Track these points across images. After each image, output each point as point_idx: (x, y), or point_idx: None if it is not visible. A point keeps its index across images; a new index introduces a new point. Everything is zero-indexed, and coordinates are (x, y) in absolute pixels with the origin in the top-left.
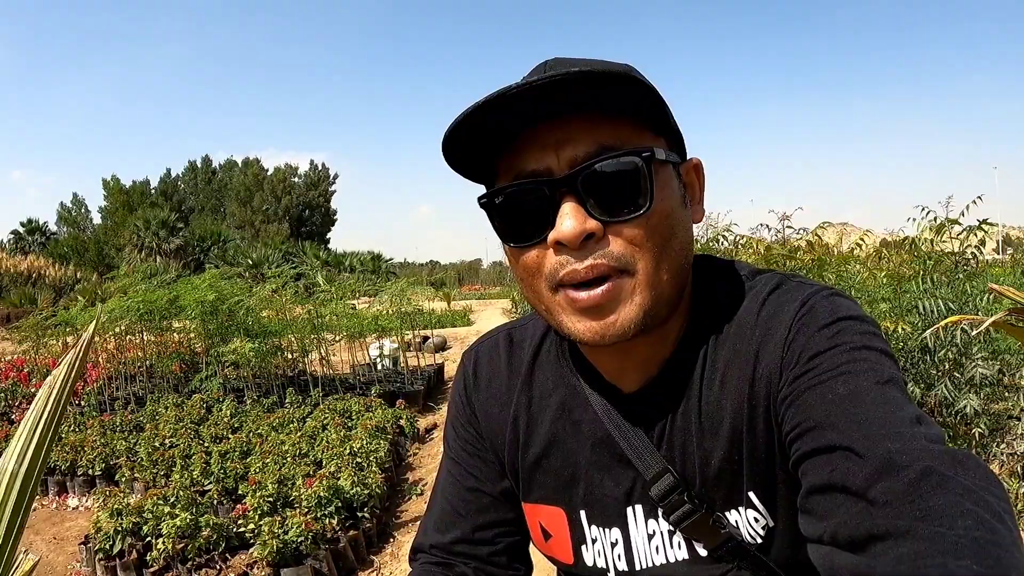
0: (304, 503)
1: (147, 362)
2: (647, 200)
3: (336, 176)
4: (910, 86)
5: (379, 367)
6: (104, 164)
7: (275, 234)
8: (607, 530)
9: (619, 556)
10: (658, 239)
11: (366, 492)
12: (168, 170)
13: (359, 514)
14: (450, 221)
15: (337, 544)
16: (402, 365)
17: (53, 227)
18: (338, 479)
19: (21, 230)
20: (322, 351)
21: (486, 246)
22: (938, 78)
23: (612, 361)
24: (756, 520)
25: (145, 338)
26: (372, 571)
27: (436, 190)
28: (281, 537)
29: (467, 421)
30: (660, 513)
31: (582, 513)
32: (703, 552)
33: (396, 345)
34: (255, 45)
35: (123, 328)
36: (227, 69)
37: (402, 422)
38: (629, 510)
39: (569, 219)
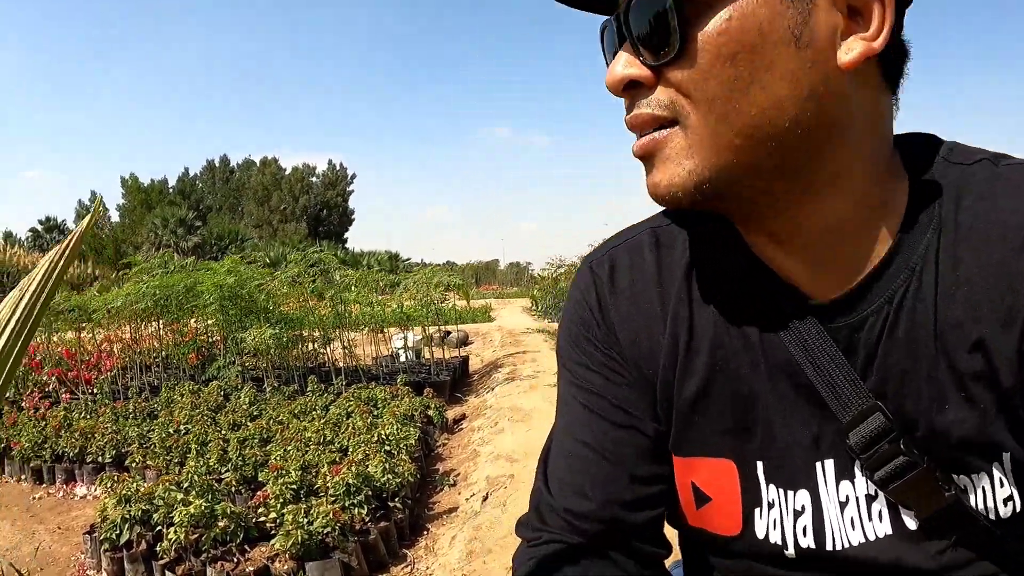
0: (331, 491)
1: (163, 352)
2: (676, 37)
3: (354, 176)
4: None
5: (402, 359)
6: (122, 162)
7: (293, 233)
8: (790, 493)
9: (804, 529)
10: (714, 86)
11: (397, 481)
12: (186, 169)
13: (390, 504)
14: (466, 221)
15: (367, 536)
16: (426, 357)
17: (71, 225)
18: (367, 466)
19: (39, 228)
20: (345, 341)
21: (502, 246)
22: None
23: (796, 260)
24: (1001, 487)
25: (161, 328)
26: (405, 566)
27: (452, 190)
28: (306, 528)
29: (603, 342)
30: (859, 470)
31: (759, 466)
32: (912, 524)
33: (419, 337)
34: (272, 44)
35: (139, 312)
36: (245, 68)
37: (430, 411)
38: (818, 466)
39: (614, 65)
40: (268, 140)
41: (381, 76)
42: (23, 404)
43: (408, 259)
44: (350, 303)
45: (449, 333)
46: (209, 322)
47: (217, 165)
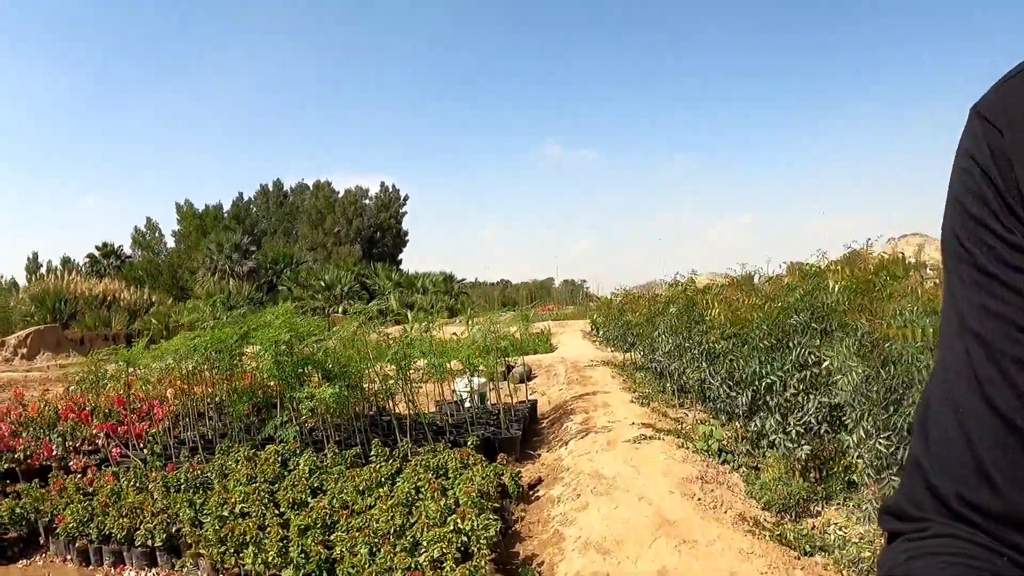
0: None
1: (217, 397)
2: None
3: (407, 198)
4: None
5: (467, 404)
6: (177, 188)
7: (347, 256)
8: None
9: None
10: None
11: None
12: (240, 194)
13: None
14: (520, 239)
15: None
16: (491, 402)
17: (128, 250)
18: (442, 567)
19: (97, 253)
20: (407, 392)
21: (556, 264)
22: None
23: None
24: None
25: (215, 374)
26: None
27: (505, 208)
28: None
29: (1008, 219)
30: None
31: None
32: None
33: (484, 380)
34: (322, 67)
35: (190, 369)
36: (296, 92)
37: (505, 479)
38: None
39: None
40: (320, 164)
41: (429, 96)
42: (71, 464)
43: (463, 279)
44: (413, 360)
45: (512, 368)
46: (264, 369)
47: (271, 189)
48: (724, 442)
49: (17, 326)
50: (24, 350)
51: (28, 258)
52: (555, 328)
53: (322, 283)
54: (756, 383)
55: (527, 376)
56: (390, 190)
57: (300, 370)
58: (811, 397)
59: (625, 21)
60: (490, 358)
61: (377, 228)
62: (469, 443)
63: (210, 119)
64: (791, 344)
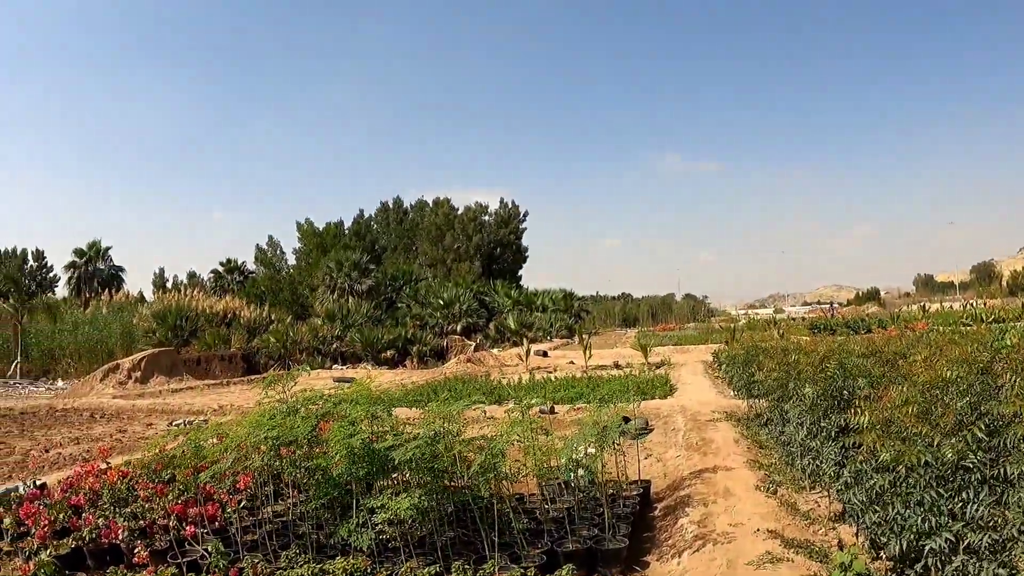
0: None
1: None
2: None
3: (526, 213)
4: None
5: (572, 483)
6: (300, 206)
7: (467, 272)
8: None
9: None
10: None
11: None
12: (361, 211)
13: None
14: (640, 253)
15: None
16: (598, 475)
17: (251, 266)
18: None
19: (221, 269)
20: (502, 488)
21: (678, 278)
22: None
23: None
24: None
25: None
26: None
27: (624, 222)
28: None
29: None
30: None
31: None
32: None
33: (593, 451)
34: (441, 84)
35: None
36: (416, 110)
37: None
38: None
39: None
40: (440, 180)
41: (548, 110)
42: (135, 558)
43: (583, 296)
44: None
45: (628, 420)
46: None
47: (391, 206)
48: None
49: (139, 341)
50: (138, 374)
51: (155, 273)
52: (675, 356)
53: (440, 301)
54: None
55: (644, 430)
56: (509, 206)
57: (377, 471)
58: None
59: (749, 28)
60: (598, 454)
61: (497, 244)
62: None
63: (333, 138)
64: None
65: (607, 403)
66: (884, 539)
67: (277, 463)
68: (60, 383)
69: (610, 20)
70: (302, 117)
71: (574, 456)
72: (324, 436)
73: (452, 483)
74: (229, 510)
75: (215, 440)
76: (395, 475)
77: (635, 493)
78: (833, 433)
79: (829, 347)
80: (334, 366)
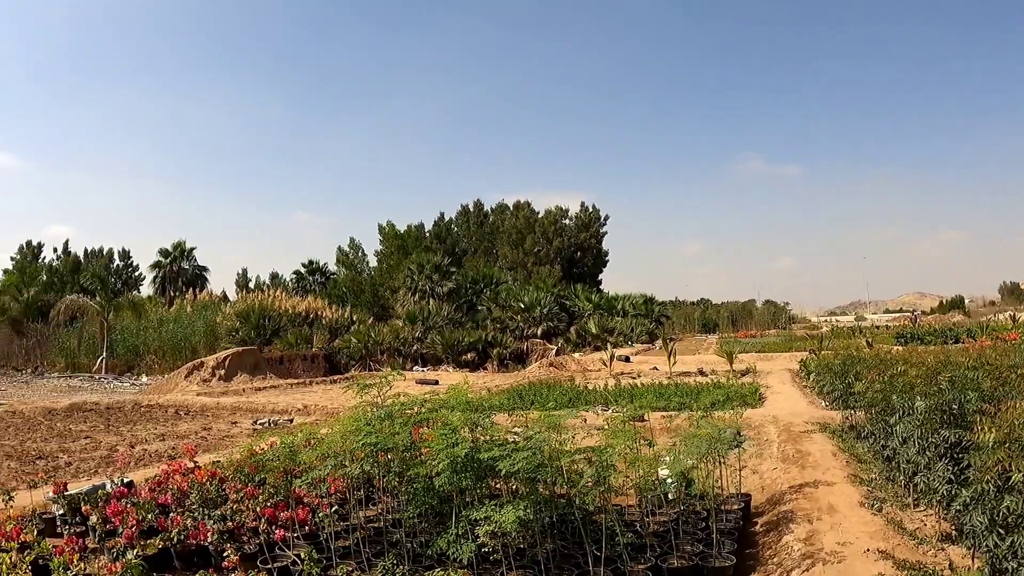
0: None
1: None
2: None
3: (607, 217)
4: None
5: (671, 495)
6: (382, 208)
7: (547, 276)
8: None
9: None
10: None
11: None
12: (442, 214)
13: None
14: (720, 258)
15: None
16: (696, 487)
17: (332, 267)
18: None
19: (302, 270)
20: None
21: (757, 284)
22: None
23: None
24: None
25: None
26: None
27: (704, 227)
28: None
29: None
30: None
31: None
32: None
33: (693, 462)
34: (521, 87)
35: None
36: (496, 113)
37: None
38: None
39: None
40: (520, 183)
41: (627, 112)
42: (225, 556)
43: (663, 302)
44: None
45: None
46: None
47: (471, 210)
48: None
49: (222, 340)
50: (221, 371)
51: (238, 273)
52: (760, 363)
53: (521, 304)
54: None
55: (737, 441)
56: (590, 209)
57: (480, 478)
58: None
59: (834, 27)
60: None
61: (577, 248)
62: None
63: (414, 140)
64: None
65: (712, 412)
66: (1010, 565)
67: (375, 470)
68: (144, 379)
69: (692, 20)
70: (384, 120)
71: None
72: (419, 442)
73: (555, 493)
74: (321, 515)
75: (309, 442)
76: (489, 481)
77: (736, 507)
78: (942, 450)
79: (937, 359)
80: (415, 368)
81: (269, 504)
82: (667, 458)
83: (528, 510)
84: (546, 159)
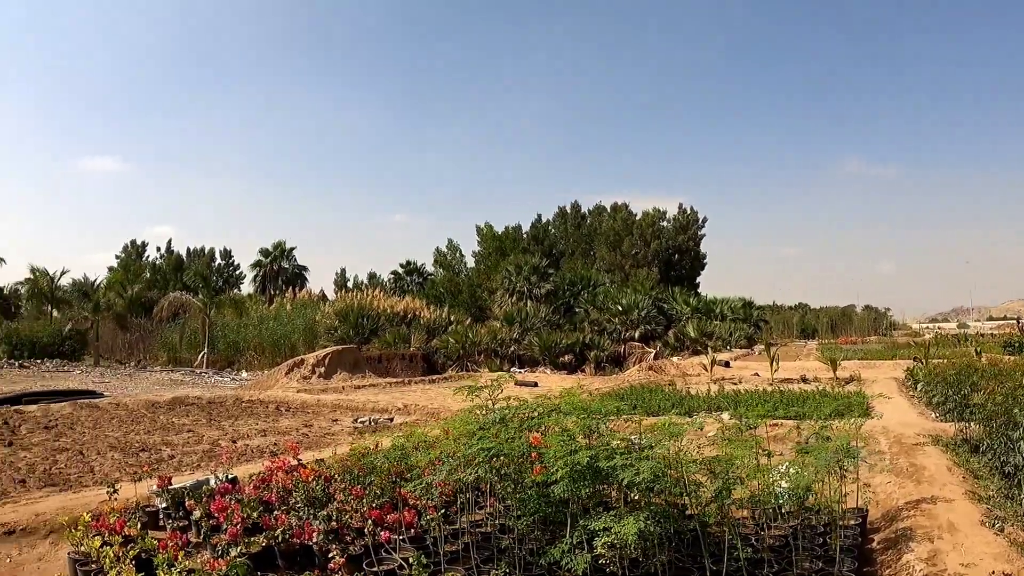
0: None
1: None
2: None
3: (705, 220)
4: None
5: (785, 507)
6: (478, 209)
7: (644, 279)
8: None
9: None
10: None
11: None
12: (539, 215)
13: None
14: (818, 262)
15: None
16: (809, 500)
17: (429, 268)
18: None
19: (400, 270)
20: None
21: (856, 288)
22: None
23: None
24: None
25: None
26: None
27: (802, 230)
28: None
29: None
30: None
31: None
32: None
33: (816, 475)
34: (618, 88)
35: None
36: (593, 113)
37: None
38: None
39: None
40: (618, 184)
41: (725, 113)
42: (331, 558)
43: (761, 306)
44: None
45: (830, 440)
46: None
47: (568, 211)
48: None
49: (321, 338)
50: (321, 369)
51: (337, 273)
52: (863, 371)
53: (619, 307)
54: None
55: (853, 452)
56: (688, 211)
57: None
58: None
59: (934, 27)
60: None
61: (675, 250)
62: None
63: (511, 142)
64: None
65: (830, 421)
66: None
67: (491, 476)
68: (244, 375)
69: (792, 22)
70: (481, 122)
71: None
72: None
73: (672, 504)
74: (427, 517)
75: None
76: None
77: (853, 523)
78: None
79: None
80: (512, 369)
81: (375, 505)
82: (782, 469)
83: (648, 522)
84: (644, 160)
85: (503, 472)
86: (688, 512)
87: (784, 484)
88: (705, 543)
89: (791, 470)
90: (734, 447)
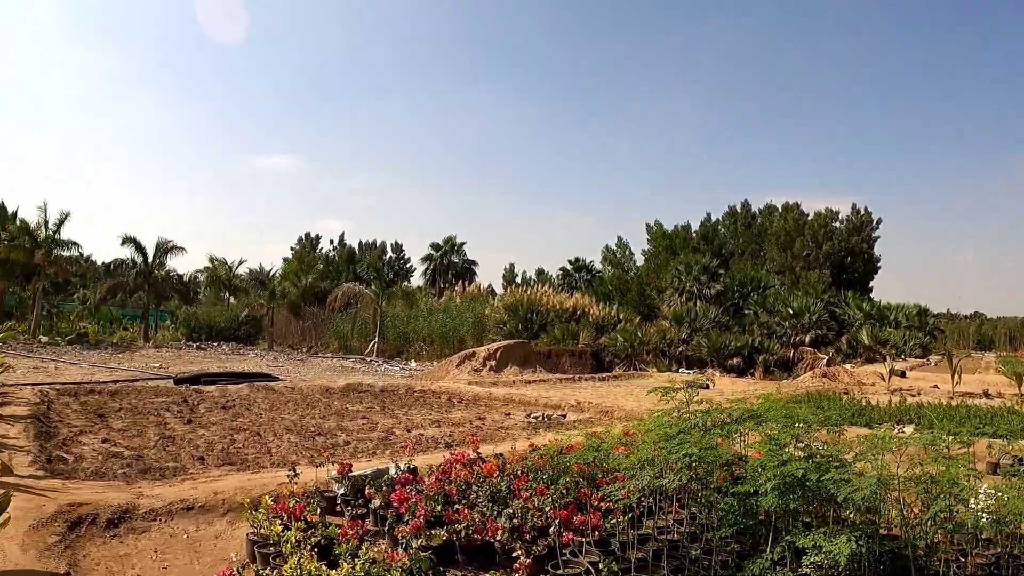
0: None
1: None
2: None
3: (879, 221)
4: None
5: (984, 535)
6: (646, 207)
7: (815, 281)
8: None
9: None
10: None
11: None
12: (708, 214)
13: None
14: (996, 268)
15: None
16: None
17: (598, 266)
18: None
19: (568, 267)
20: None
21: None
22: None
23: None
24: None
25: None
26: None
27: (980, 233)
28: None
29: None
30: None
31: None
32: None
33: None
34: (787, 85)
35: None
36: (763, 109)
37: None
38: None
39: None
40: (789, 183)
41: (904, 113)
42: (515, 557)
43: (936, 314)
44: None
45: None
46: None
47: (739, 211)
48: None
49: (490, 332)
50: (492, 362)
51: (505, 268)
52: None
53: (790, 310)
54: None
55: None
56: (861, 212)
57: (808, 501)
58: None
59: None
60: None
61: (847, 253)
62: None
63: (679, 140)
64: None
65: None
66: None
67: (694, 484)
68: (412, 364)
69: (973, 11)
70: (649, 120)
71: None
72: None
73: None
74: (613, 521)
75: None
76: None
77: None
78: None
79: None
80: (680, 370)
81: (560, 505)
82: (983, 491)
83: (861, 542)
84: (815, 158)
85: (706, 480)
86: (891, 533)
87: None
88: (915, 567)
89: (1006, 494)
90: (945, 465)
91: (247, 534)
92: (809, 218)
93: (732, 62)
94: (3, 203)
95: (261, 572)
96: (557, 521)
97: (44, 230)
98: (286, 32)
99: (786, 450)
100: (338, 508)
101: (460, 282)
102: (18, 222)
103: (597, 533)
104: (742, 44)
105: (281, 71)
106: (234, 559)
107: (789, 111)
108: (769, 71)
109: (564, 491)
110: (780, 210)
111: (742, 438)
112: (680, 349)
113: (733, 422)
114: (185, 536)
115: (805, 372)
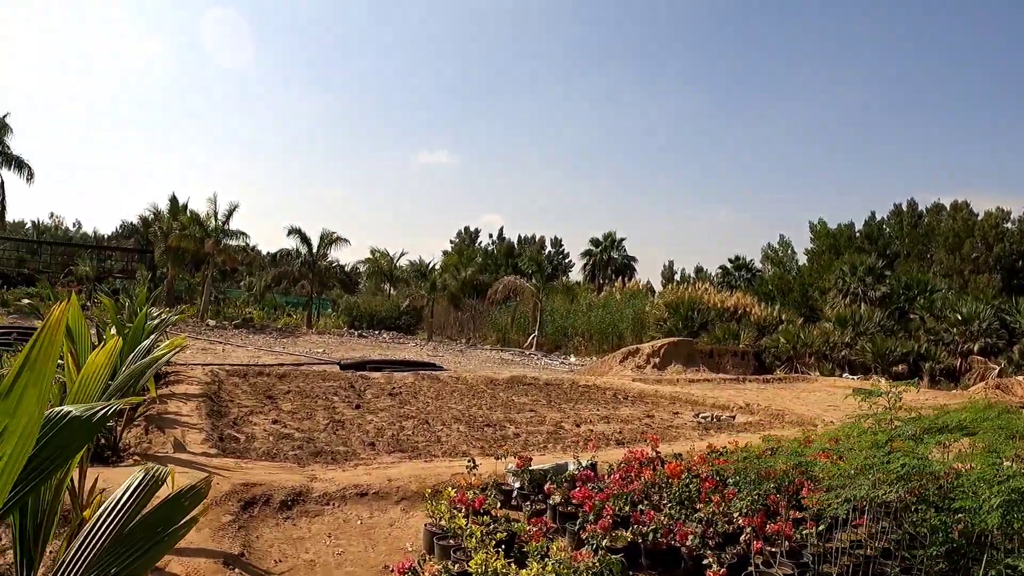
0: None
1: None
2: None
3: None
4: None
5: None
6: (808, 206)
7: (985, 286)
8: None
9: None
10: None
11: None
12: (872, 213)
13: None
14: None
15: None
16: None
17: (758, 264)
18: None
19: (728, 265)
20: None
21: None
22: None
23: None
24: None
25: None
26: None
27: None
28: None
29: None
30: None
31: None
32: None
33: None
34: (957, 75)
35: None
36: (931, 102)
37: None
38: None
39: None
40: (959, 181)
41: None
42: (706, 565)
43: None
44: None
45: None
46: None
47: (904, 210)
48: None
49: (649, 329)
50: (656, 360)
51: (664, 265)
52: None
53: (958, 316)
54: None
55: None
56: None
57: None
58: None
59: None
60: None
61: (1020, 256)
62: None
63: (843, 136)
64: None
65: None
66: None
67: (908, 497)
68: (572, 359)
69: None
70: (812, 116)
71: None
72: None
73: None
74: (805, 531)
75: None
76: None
77: None
78: None
79: None
80: (843, 374)
81: (748, 511)
82: None
83: None
84: (986, 154)
85: (922, 493)
86: None
87: None
88: None
89: None
90: None
91: (425, 525)
92: (979, 218)
93: (900, 53)
94: (175, 196)
95: (442, 566)
96: (749, 528)
97: (214, 220)
98: (441, 37)
99: (1005, 464)
100: (513, 502)
101: (620, 278)
102: (188, 213)
103: (788, 543)
104: (910, 34)
105: (445, 70)
106: (410, 549)
107: (959, 104)
108: (938, 62)
109: (756, 497)
110: (948, 209)
111: (946, 450)
112: (843, 353)
113: (939, 431)
114: (359, 522)
115: (976, 383)
